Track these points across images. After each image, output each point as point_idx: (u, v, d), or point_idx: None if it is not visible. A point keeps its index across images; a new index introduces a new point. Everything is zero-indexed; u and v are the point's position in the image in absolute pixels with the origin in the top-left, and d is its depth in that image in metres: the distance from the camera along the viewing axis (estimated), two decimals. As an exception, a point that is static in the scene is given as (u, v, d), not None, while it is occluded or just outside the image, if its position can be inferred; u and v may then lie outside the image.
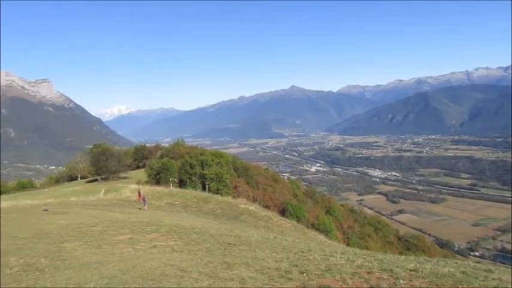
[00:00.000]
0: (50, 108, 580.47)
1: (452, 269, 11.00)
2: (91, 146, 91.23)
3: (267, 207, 57.64)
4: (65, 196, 48.95)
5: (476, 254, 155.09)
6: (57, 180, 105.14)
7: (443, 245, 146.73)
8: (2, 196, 75.72)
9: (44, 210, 29.09)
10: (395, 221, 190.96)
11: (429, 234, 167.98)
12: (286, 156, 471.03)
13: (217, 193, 55.29)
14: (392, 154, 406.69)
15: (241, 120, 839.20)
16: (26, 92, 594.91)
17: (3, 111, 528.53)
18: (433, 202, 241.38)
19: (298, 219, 57.50)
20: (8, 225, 20.97)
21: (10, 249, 13.31)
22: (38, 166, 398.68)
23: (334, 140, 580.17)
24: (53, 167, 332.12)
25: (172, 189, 54.03)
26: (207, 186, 59.00)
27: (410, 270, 10.77)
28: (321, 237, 45.54)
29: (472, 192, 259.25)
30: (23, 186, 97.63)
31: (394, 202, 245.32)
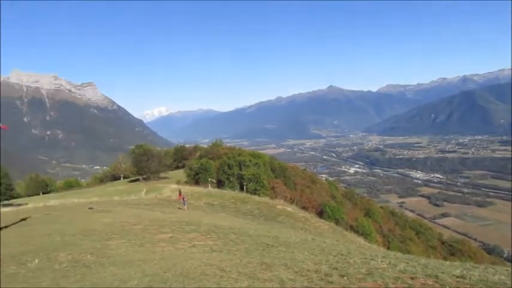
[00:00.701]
0: (95, 111, 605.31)
1: (503, 277, 10.42)
2: (133, 147, 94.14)
3: (304, 208, 57.19)
4: (109, 195, 50.80)
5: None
6: (102, 180, 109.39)
7: (491, 251, 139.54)
8: (51, 194, 79.73)
9: (89, 209, 30.34)
10: (439, 224, 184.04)
11: (475, 239, 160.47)
12: (324, 157, 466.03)
13: (254, 194, 55.51)
14: (435, 155, 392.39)
15: (278, 121, 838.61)
16: (73, 95, 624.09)
17: (51, 113, 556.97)
18: (479, 206, 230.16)
19: (337, 221, 56.70)
20: (57, 222, 22.03)
21: (59, 246, 13.95)
22: (83, 166, 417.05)
23: (374, 140, 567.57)
24: (98, 167, 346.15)
25: (211, 189, 54.76)
26: (244, 187, 59.37)
27: (457, 277, 10.30)
28: (360, 240, 44.67)
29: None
30: (70, 185, 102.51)
31: (437, 205, 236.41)
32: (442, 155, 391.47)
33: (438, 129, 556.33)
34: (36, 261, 11.43)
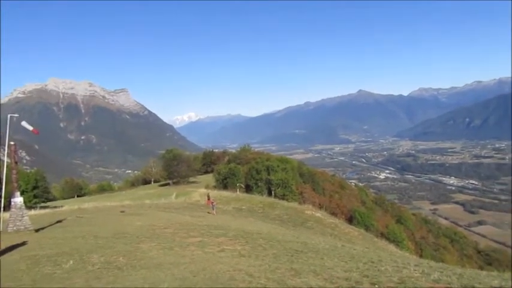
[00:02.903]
0: (127, 116, 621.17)
1: (545, 289, 9.88)
2: (163, 152, 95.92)
3: (333, 214, 56.55)
4: (140, 199, 51.84)
5: None
6: (133, 184, 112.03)
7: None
8: (85, 197, 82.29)
9: (121, 212, 31.07)
10: (474, 232, 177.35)
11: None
12: (354, 162, 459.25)
13: (283, 199, 55.30)
14: (470, 161, 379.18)
15: (307, 126, 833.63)
16: (106, 101, 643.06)
17: (86, 119, 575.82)
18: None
19: (367, 228, 55.68)
20: (91, 224, 22.67)
21: (92, 248, 14.32)
22: (116, 170, 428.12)
23: (405, 145, 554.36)
24: (129, 171, 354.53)
25: (239, 194, 54.95)
26: (273, 192, 59.25)
27: (495, 288, 9.85)
28: (392, 247, 43.66)
29: None
30: (103, 189, 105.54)
31: (472, 212, 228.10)
32: (477, 160, 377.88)
33: (473, 134, 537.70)
34: (71, 262, 11.76)
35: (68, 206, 41.33)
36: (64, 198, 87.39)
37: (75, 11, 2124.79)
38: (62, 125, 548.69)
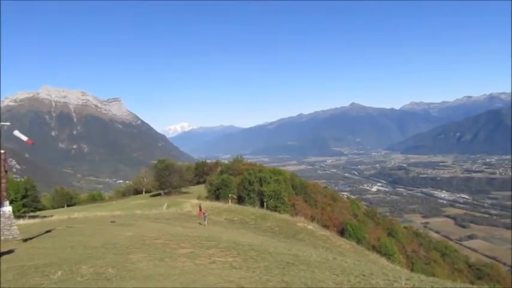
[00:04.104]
0: (119, 125, 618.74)
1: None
2: (155, 162, 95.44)
3: (325, 226, 56.45)
4: (131, 209, 51.41)
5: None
6: (124, 194, 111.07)
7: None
8: (76, 207, 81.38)
9: (111, 222, 30.76)
10: (465, 247, 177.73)
11: (504, 263, 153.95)
12: (346, 174, 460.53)
13: (275, 210, 55.12)
14: (461, 175, 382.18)
15: (299, 138, 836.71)
16: (99, 110, 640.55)
17: (78, 128, 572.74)
18: (508, 228, 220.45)
19: (358, 241, 55.62)
20: (80, 234, 22.40)
21: (82, 258, 14.16)
22: (107, 180, 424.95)
23: (397, 159, 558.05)
24: (121, 181, 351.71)
25: (231, 205, 54.72)
26: (265, 203, 59.09)
27: (485, 302, 9.89)
28: (383, 260, 43.63)
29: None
30: (94, 198, 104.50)
31: (463, 226, 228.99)
32: (468, 174, 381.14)
33: (464, 149, 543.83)
34: (59, 273, 11.61)
35: (58, 216, 40.81)
36: (54, 208, 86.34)
37: (70, 19, 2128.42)
38: (53, 133, 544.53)
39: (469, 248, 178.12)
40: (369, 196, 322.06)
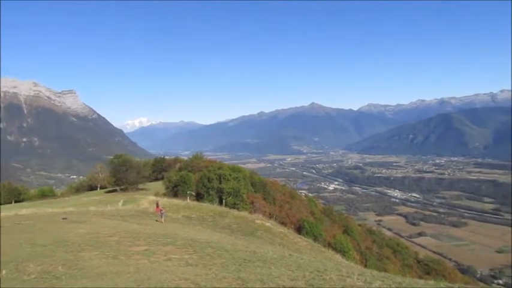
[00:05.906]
0: (74, 119, 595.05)
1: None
2: (111, 157, 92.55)
3: (283, 223, 57.06)
4: (84, 205, 49.59)
5: (500, 282, 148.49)
6: (77, 190, 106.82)
7: (465, 271, 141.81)
8: (24, 203, 77.43)
9: (63, 219, 29.55)
10: (415, 243, 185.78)
11: (450, 259, 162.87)
12: (304, 173, 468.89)
13: (233, 208, 55.10)
14: (413, 175, 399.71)
15: (260, 136, 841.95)
16: (52, 102, 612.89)
17: (29, 120, 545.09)
18: (454, 226, 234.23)
19: (315, 238, 56.63)
20: (28, 232, 21.35)
21: (29, 256, 13.51)
22: (59, 175, 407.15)
23: (353, 158, 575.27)
24: (74, 177, 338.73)
25: (189, 202, 54.15)
26: (223, 201, 58.91)
27: (431, 296, 10.39)
28: (338, 257, 44.73)
29: (496, 217, 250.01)
30: (44, 194, 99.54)
31: (414, 224, 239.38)
32: (419, 174, 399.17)
33: (416, 150, 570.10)
34: (4, 272, 11.03)
35: (4, 212, 38.69)
36: (0, 204, 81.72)
37: (21, 5, 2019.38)
38: (1, 125, 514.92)
39: (419, 244, 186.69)
40: (326, 194, 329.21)
